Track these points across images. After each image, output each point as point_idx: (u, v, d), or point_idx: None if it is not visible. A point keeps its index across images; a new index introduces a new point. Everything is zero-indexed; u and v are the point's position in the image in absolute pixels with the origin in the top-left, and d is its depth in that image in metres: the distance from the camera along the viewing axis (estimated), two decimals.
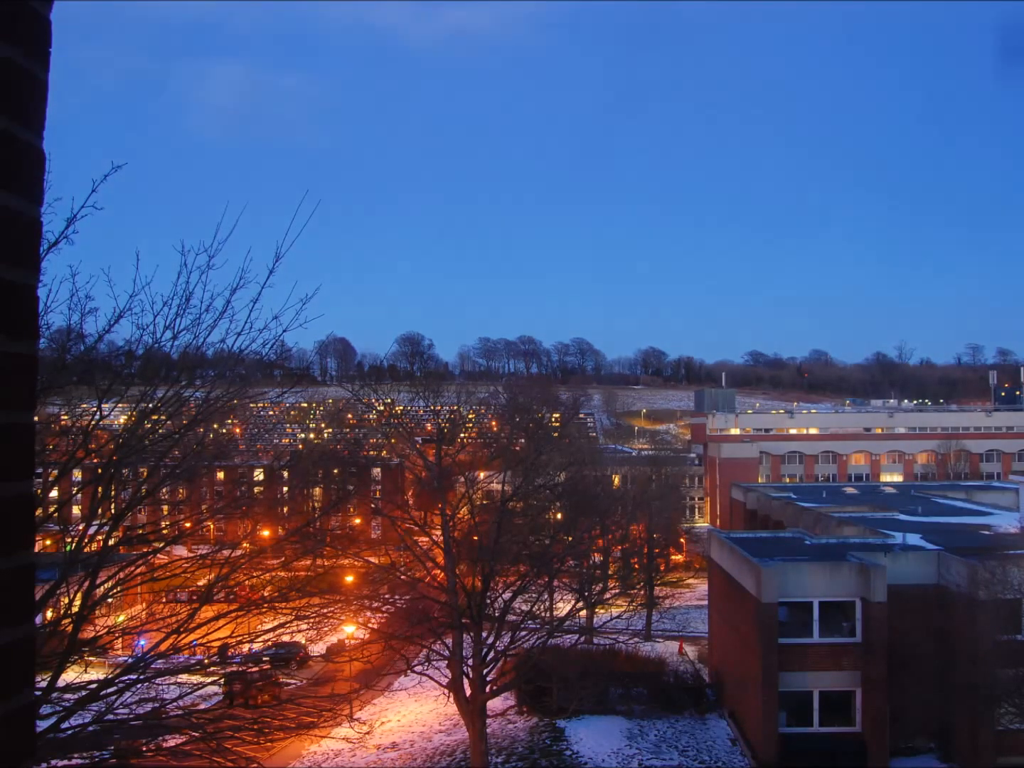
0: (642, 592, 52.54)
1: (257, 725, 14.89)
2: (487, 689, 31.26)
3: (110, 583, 13.94)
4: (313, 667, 34.42)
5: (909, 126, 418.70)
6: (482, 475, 40.92)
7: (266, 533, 22.32)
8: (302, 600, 15.86)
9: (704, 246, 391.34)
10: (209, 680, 16.38)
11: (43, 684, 12.20)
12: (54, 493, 14.44)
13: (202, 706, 15.88)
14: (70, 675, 14.23)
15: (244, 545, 16.45)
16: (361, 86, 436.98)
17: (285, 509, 25.47)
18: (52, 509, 14.19)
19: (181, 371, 14.23)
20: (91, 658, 18.10)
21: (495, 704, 35.62)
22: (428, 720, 42.38)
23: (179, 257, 12.85)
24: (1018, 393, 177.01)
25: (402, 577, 32.30)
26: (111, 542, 13.68)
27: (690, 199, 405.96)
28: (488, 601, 32.07)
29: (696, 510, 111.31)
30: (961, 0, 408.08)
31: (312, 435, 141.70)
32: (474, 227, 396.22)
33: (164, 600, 16.43)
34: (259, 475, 32.71)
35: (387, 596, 31.78)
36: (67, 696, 12.94)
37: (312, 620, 16.58)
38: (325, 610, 17.01)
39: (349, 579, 32.73)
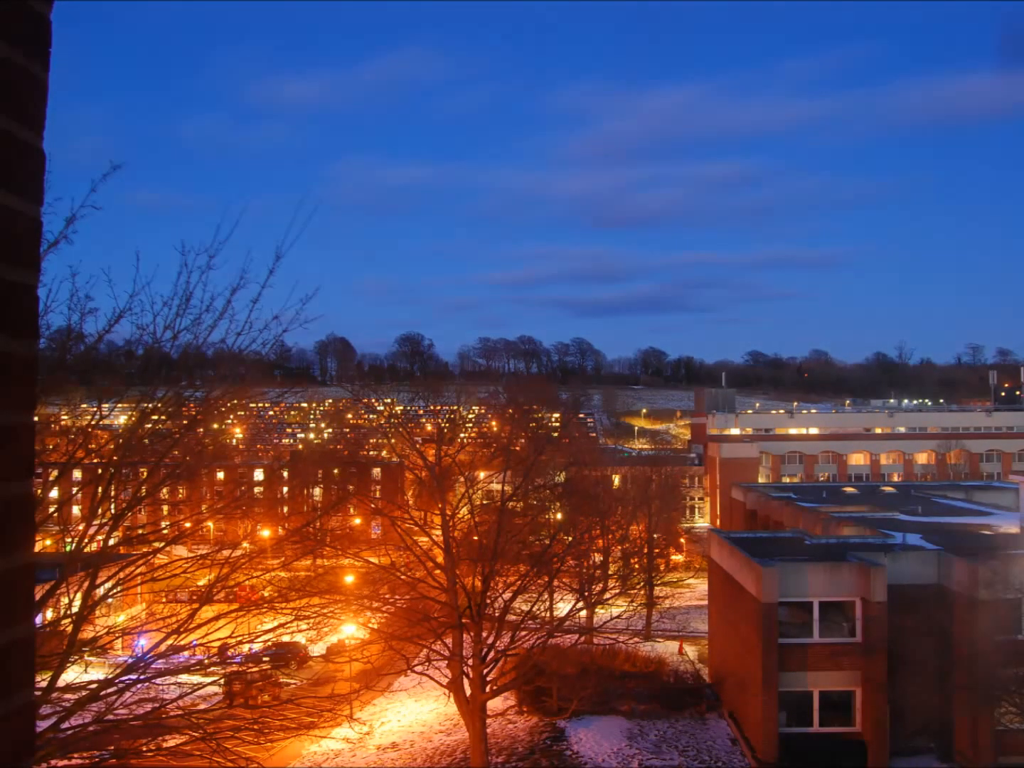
0: (642, 592, 52.48)
1: (257, 725, 14.88)
2: (487, 689, 31.24)
3: (110, 583, 13.96)
4: (313, 667, 34.41)
5: (908, 126, 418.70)
6: (482, 475, 40.88)
7: (266, 533, 22.30)
8: (302, 600, 15.88)
9: (704, 246, 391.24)
10: (209, 680, 16.36)
11: (43, 684, 12.20)
12: (54, 493, 14.44)
13: (202, 706, 15.88)
14: (70, 675, 14.24)
15: (244, 545, 16.46)
16: (374, 105, 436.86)
17: (285, 509, 25.47)
18: (52, 509, 14.19)
19: (181, 371, 14.24)
20: (91, 658, 18.09)
21: (495, 704, 35.60)
22: (428, 720, 42.34)
23: (179, 257, 12.88)
24: (1018, 393, 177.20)
25: (402, 577, 32.27)
26: (111, 542, 13.69)
27: (690, 198, 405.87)
28: (488, 601, 32.05)
29: (696, 510, 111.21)
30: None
31: (312, 435, 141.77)
32: (475, 225, 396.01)
33: (164, 600, 16.42)
34: (259, 475, 32.69)
35: (387, 596, 31.75)
36: (67, 696, 12.95)
37: (312, 620, 16.58)
38: (325, 610, 17.01)
39: (349, 579, 32.68)
